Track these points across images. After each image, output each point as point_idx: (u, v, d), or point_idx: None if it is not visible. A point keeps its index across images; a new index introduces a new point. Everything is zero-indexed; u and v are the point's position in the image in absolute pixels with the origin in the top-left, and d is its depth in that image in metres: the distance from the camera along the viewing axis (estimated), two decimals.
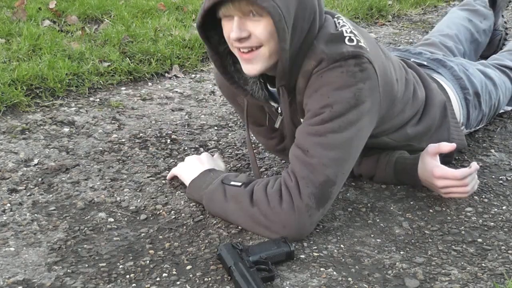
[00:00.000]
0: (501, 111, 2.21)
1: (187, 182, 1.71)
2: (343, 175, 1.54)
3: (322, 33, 1.53)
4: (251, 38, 1.47)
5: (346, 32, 1.53)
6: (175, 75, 2.61)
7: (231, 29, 1.47)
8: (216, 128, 2.17)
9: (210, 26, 1.54)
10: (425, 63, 2.03)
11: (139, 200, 1.72)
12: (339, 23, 1.56)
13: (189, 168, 1.73)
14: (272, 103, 1.67)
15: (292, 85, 1.57)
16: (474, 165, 1.66)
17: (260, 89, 1.63)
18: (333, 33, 1.52)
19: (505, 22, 2.70)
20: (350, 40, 1.51)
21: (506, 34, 2.68)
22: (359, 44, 1.51)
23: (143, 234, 1.57)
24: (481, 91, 1.99)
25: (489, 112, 2.06)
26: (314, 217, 1.51)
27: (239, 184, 1.58)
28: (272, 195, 1.50)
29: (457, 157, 1.96)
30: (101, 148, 2.00)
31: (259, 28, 1.46)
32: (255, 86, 1.62)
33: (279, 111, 1.68)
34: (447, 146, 1.68)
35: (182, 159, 1.93)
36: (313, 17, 1.50)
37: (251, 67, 1.52)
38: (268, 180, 1.56)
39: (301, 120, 1.62)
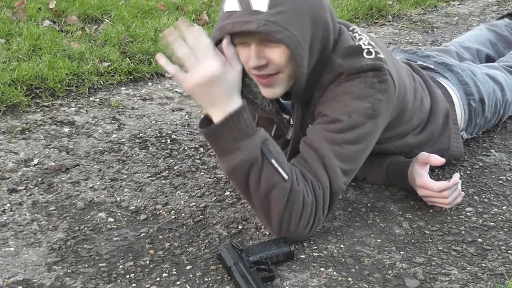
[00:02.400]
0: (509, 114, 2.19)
1: (206, 109, 1.45)
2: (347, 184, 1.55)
3: (339, 47, 1.51)
4: (269, 66, 1.45)
5: (364, 45, 1.51)
6: None
7: (248, 56, 1.44)
8: None
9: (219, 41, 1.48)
10: (431, 66, 2.02)
11: (139, 200, 1.72)
12: (355, 36, 1.54)
13: (210, 91, 1.41)
14: (284, 115, 1.65)
15: (307, 98, 1.56)
16: (454, 179, 1.64)
17: (270, 102, 1.61)
18: (351, 46, 1.50)
19: None
20: (369, 52, 1.50)
21: None
22: (378, 56, 1.50)
23: (143, 234, 1.57)
24: (487, 98, 1.99)
25: (492, 118, 2.05)
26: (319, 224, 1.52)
27: (283, 173, 1.42)
28: (307, 204, 1.45)
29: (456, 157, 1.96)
30: (101, 148, 2.00)
31: (277, 55, 1.43)
32: (265, 101, 1.60)
33: (291, 123, 1.65)
34: (436, 160, 1.66)
35: (182, 159, 1.94)
36: (328, 34, 1.48)
37: (271, 91, 1.51)
38: (301, 178, 1.46)
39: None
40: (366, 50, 1.50)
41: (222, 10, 1.46)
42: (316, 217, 1.47)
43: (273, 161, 1.42)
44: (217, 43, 1.45)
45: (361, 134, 1.49)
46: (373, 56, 1.49)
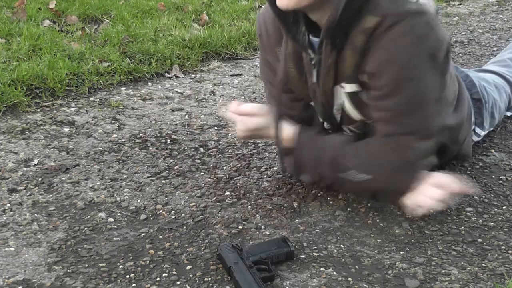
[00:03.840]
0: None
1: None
2: None
3: None
4: None
5: None
6: (175, 75, 2.61)
7: None
8: (216, 128, 2.17)
9: None
10: None
11: (139, 200, 1.72)
12: None
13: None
14: (310, 52, 1.56)
15: (341, 40, 1.49)
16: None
17: (302, 34, 1.55)
18: None
19: None
20: None
21: None
22: (420, 1, 1.45)
23: (143, 234, 1.57)
24: (482, 98, 1.97)
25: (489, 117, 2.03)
26: None
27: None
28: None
29: None
30: (101, 148, 2.00)
31: None
32: (298, 29, 1.54)
33: (313, 63, 1.58)
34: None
35: (182, 159, 1.94)
36: None
37: None
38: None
39: (344, 79, 1.55)
40: None
41: None
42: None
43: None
44: None
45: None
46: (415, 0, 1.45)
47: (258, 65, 2.75)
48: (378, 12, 1.43)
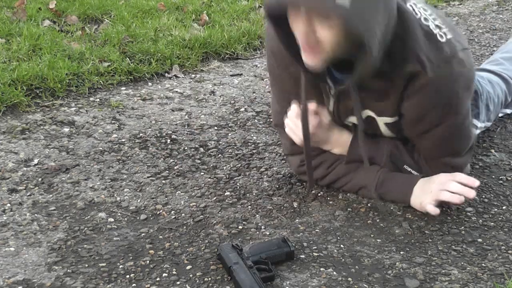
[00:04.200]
0: (500, 114, 2.19)
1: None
2: None
3: (411, 30, 1.47)
4: (321, 46, 1.41)
5: (433, 27, 1.50)
6: (175, 75, 2.61)
7: (303, 31, 1.39)
8: (216, 128, 2.17)
9: None
10: None
11: (139, 200, 1.72)
12: (419, 11, 1.51)
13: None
14: (329, 82, 1.57)
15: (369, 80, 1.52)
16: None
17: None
18: (425, 31, 1.48)
19: None
20: (441, 36, 1.49)
21: None
22: (448, 37, 1.49)
23: (143, 234, 1.57)
24: (477, 90, 1.99)
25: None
26: None
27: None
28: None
29: None
30: (101, 148, 2.00)
31: (328, 36, 1.37)
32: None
33: (331, 93, 1.61)
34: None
35: (182, 159, 1.94)
36: (394, 13, 1.42)
37: (312, 58, 1.43)
38: None
39: (367, 111, 1.60)
40: (438, 35, 1.49)
41: None
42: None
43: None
44: (273, 11, 1.42)
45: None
46: (444, 40, 1.49)
47: (263, 67, 2.75)
48: (417, 60, 1.47)
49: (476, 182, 1.61)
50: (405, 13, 1.47)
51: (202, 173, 1.87)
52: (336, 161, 1.72)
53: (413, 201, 1.65)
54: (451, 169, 1.66)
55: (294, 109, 1.66)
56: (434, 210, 1.61)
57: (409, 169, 1.69)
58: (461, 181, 1.61)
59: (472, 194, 1.60)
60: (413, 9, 1.51)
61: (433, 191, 1.62)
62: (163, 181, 1.82)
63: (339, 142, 1.71)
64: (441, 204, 1.64)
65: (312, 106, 1.63)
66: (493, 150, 2.03)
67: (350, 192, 1.74)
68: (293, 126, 1.67)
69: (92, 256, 1.49)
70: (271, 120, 2.20)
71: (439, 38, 1.49)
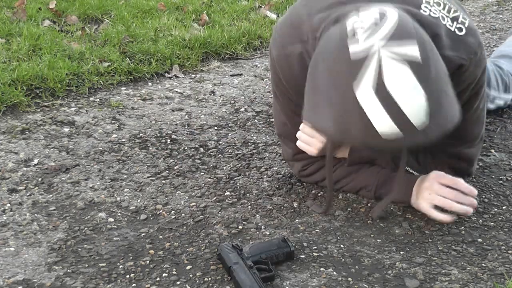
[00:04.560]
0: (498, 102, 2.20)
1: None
2: None
3: (439, 39, 1.46)
4: None
5: (450, 24, 1.48)
6: (175, 75, 2.61)
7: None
8: (216, 128, 2.17)
9: None
10: None
11: (139, 200, 1.72)
12: (435, 11, 1.48)
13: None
14: None
15: None
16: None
17: None
18: (446, 31, 1.47)
19: None
20: (460, 30, 1.49)
21: None
22: (466, 25, 1.50)
23: (143, 234, 1.57)
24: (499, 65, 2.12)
25: None
26: None
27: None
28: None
29: None
30: (101, 148, 2.00)
31: None
32: None
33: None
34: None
35: (182, 159, 1.94)
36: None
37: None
38: None
39: None
40: (457, 30, 1.49)
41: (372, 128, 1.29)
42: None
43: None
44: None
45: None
46: (464, 32, 1.49)
47: (264, 67, 2.75)
48: (449, 61, 1.43)
49: (474, 191, 1.59)
50: (429, 25, 1.44)
51: (202, 173, 1.87)
52: (337, 163, 1.72)
53: (413, 201, 1.65)
54: (462, 162, 1.66)
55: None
56: (445, 218, 1.58)
57: (411, 171, 1.69)
58: (447, 183, 1.59)
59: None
60: (429, 12, 1.47)
61: (425, 196, 1.60)
62: (163, 181, 1.82)
63: (318, 141, 1.66)
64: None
65: None
66: (493, 150, 2.03)
67: (351, 192, 1.74)
68: (307, 138, 1.63)
69: (92, 256, 1.49)
70: (271, 120, 2.21)
71: (458, 33, 1.48)
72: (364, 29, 1.29)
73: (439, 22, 1.47)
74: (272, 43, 1.62)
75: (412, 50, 1.27)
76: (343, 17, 1.37)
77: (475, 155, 1.71)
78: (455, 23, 1.49)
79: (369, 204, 1.72)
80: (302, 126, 1.65)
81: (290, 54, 1.54)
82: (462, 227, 1.63)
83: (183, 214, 1.66)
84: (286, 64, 1.57)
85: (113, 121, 2.19)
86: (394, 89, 1.25)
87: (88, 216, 1.65)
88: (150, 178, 1.84)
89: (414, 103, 1.26)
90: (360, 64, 1.26)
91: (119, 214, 1.66)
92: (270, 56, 1.64)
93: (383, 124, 1.27)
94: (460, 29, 1.49)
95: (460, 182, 1.59)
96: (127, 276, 1.42)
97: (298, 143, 1.67)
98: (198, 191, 1.77)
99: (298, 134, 1.66)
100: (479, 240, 1.58)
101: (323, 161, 1.72)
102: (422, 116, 1.27)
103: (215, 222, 1.63)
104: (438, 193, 1.57)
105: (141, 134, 2.10)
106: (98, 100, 2.35)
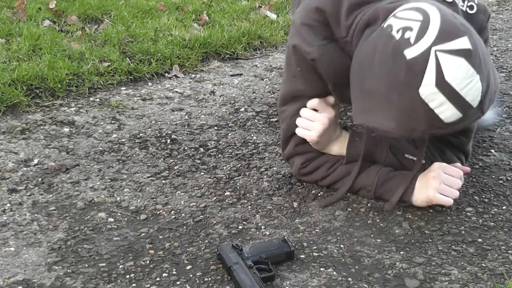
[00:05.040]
0: None
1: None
2: None
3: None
4: None
5: (461, 4, 1.60)
6: (175, 75, 2.61)
7: None
8: (216, 128, 2.17)
9: None
10: None
11: (139, 200, 1.72)
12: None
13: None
14: None
15: None
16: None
17: None
18: (464, 16, 1.54)
19: None
20: (471, 8, 1.61)
21: None
22: (476, 2, 1.62)
23: (143, 234, 1.57)
24: None
25: None
26: None
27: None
28: None
29: None
30: (101, 148, 2.00)
31: None
32: None
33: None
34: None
35: (182, 159, 1.94)
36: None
37: None
38: None
39: None
40: (468, 8, 1.60)
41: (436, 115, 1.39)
42: None
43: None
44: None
45: None
46: (475, 9, 1.61)
47: (264, 67, 2.75)
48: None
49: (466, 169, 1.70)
50: (455, 10, 1.53)
51: (202, 173, 1.87)
52: (336, 162, 1.73)
53: (416, 191, 1.66)
54: (456, 150, 1.72)
55: (312, 103, 1.68)
56: (449, 201, 1.63)
57: (411, 157, 1.69)
58: (452, 174, 1.64)
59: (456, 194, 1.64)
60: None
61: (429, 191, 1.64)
62: (163, 181, 1.82)
63: (339, 140, 1.73)
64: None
65: (331, 99, 1.68)
66: (493, 150, 2.03)
67: (350, 192, 1.74)
68: (307, 122, 1.68)
69: (92, 256, 1.49)
70: (271, 120, 2.21)
71: (470, 11, 1.57)
72: (413, 31, 1.36)
73: (456, 5, 1.56)
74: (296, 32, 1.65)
75: (463, 43, 1.36)
76: (379, 18, 1.47)
77: (468, 142, 1.76)
78: (465, 2, 1.58)
79: (369, 204, 1.72)
80: (302, 110, 1.69)
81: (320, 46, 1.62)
82: (462, 227, 1.63)
83: (183, 214, 1.66)
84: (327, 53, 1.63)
85: (113, 121, 2.19)
86: (454, 81, 1.35)
87: (88, 216, 1.65)
88: (150, 178, 1.84)
89: (472, 88, 1.37)
90: (419, 66, 1.35)
91: (119, 214, 1.66)
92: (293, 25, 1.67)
93: (447, 112, 1.37)
94: (471, 7, 1.58)
95: (460, 173, 1.65)
96: (127, 276, 1.42)
97: (298, 130, 1.70)
98: (198, 191, 1.77)
99: (298, 120, 1.70)
100: (479, 240, 1.58)
101: (323, 158, 1.73)
102: (479, 97, 1.38)
103: (215, 222, 1.63)
104: (445, 183, 1.63)
105: (141, 134, 2.10)
106: (98, 100, 2.35)
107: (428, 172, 1.65)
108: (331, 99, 1.68)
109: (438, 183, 1.62)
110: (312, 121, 1.68)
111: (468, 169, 1.72)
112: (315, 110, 1.69)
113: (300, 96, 1.70)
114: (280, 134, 1.83)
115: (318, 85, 1.66)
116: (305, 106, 1.70)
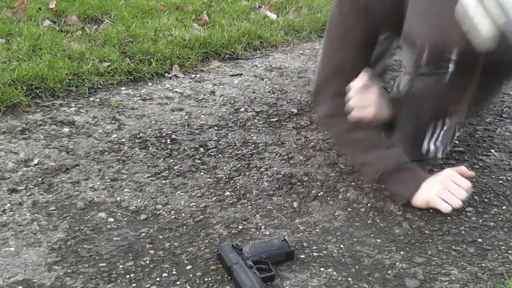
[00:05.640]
0: None
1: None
2: None
3: None
4: None
5: None
6: (175, 75, 2.61)
7: None
8: (216, 128, 2.17)
9: None
10: None
11: (139, 200, 1.72)
12: None
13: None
14: None
15: None
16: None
17: None
18: None
19: None
20: None
21: None
22: None
23: (143, 234, 1.57)
24: None
25: None
26: None
27: None
28: None
29: (456, 157, 1.96)
30: (101, 148, 2.00)
31: None
32: None
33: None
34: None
35: (182, 159, 1.94)
36: None
37: None
38: None
39: None
40: None
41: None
42: None
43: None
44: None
45: None
46: None
47: (264, 67, 2.75)
48: None
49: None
50: None
51: (202, 173, 1.87)
52: (360, 128, 1.75)
53: (419, 191, 1.66)
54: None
55: (361, 79, 1.70)
56: (448, 208, 1.63)
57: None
58: (459, 183, 1.63)
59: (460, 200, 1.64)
60: None
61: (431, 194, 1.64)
62: (163, 181, 1.82)
63: (373, 99, 1.74)
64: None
65: (367, 78, 1.70)
66: (493, 150, 2.03)
67: (354, 164, 1.78)
68: (361, 98, 1.70)
69: (92, 256, 1.49)
70: (271, 120, 2.21)
71: None
72: None
73: None
74: None
75: None
76: None
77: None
78: None
79: (369, 204, 1.72)
80: (351, 90, 1.71)
81: None
82: (462, 227, 1.63)
83: (183, 214, 1.66)
84: None
85: (113, 121, 2.19)
86: None
87: (88, 216, 1.65)
88: (150, 178, 1.84)
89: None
90: None
91: (119, 214, 1.66)
92: None
93: (484, 25, 1.39)
94: None
95: (468, 184, 1.65)
96: (127, 276, 1.42)
97: (354, 113, 1.71)
98: (198, 191, 1.77)
99: (350, 95, 1.71)
100: (479, 240, 1.58)
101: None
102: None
103: (215, 222, 1.63)
104: (450, 190, 1.63)
105: (141, 134, 2.10)
106: (98, 100, 2.35)
107: (437, 176, 1.65)
108: (366, 78, 1.70)
109: (442, 189, 1.62)
110: (363, 104, 1.71)
111: (472, 173, 1.71)
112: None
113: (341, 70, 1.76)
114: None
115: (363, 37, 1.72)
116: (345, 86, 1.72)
